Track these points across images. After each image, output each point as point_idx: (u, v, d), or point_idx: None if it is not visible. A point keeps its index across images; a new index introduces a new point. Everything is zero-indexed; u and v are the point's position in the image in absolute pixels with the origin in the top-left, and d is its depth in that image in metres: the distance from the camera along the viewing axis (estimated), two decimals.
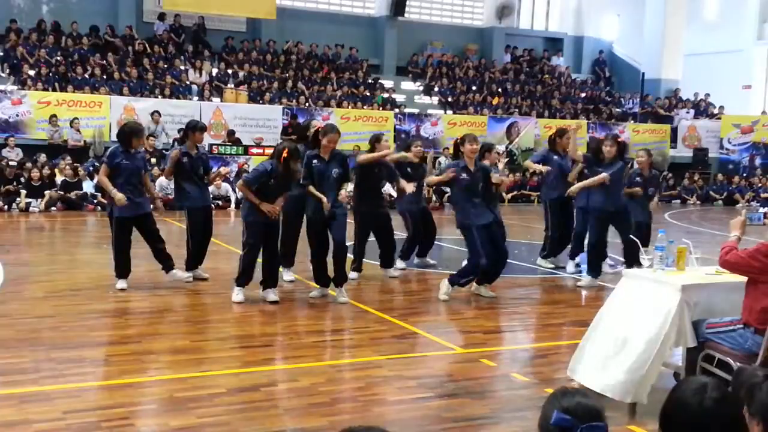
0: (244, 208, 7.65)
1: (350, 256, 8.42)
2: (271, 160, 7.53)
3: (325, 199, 7.48)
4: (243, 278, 7.57)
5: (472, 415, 4.71)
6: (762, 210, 18.11)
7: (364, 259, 9.02)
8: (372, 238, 8.98)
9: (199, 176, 8.38)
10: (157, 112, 17.90)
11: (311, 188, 7.57)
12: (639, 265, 5.56)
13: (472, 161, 7.85)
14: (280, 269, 8.17)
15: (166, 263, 8.18)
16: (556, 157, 9.87)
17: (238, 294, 7.55)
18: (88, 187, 15.76)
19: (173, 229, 11.91)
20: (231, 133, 18.62)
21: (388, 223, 8.96)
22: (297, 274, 8.63)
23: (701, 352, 4.61)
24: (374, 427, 2.02)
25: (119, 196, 7.66)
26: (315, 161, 7.61)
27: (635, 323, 4.74)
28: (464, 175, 7.78)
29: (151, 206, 8.25)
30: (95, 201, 15.44)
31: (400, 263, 9.49)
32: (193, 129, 8.47)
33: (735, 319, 4.55)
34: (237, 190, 12.15)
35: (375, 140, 8.88)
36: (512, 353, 6.44)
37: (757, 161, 24.60)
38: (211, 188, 10.60)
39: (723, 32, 26.00)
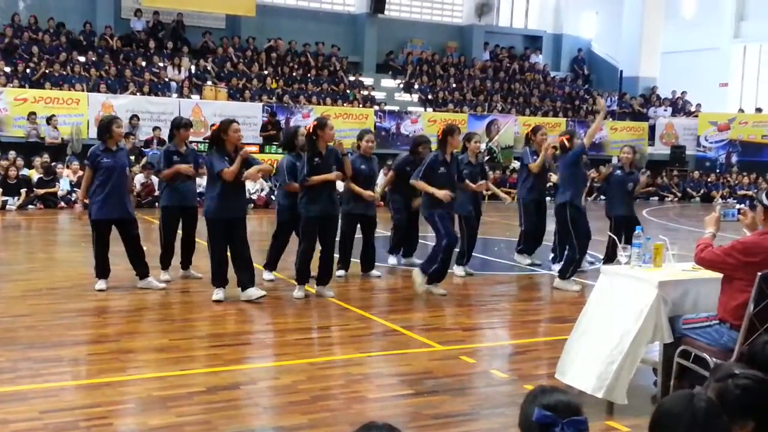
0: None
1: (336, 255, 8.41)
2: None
3: (330, 176, 7.49)
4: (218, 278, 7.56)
5: (451, 411, 4.72)
6: (738, 206, 18.28)
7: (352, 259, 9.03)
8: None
9: (190, 174, 8.26)
10: (136, 116, 17.78)
11: (313, 178, 7.42)
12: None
13: (450, 153, 7.93)
14: (261, 267, 8.15)
15: (142, 270, 7.93)
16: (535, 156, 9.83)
17: (217, 293, 7.51)
18: (64, 184, 15.63)
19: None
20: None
21: (373, 225, 8.98)
22: (277, 272, 8.60)
23: (678, 348, 4.65)
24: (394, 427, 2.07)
25: (78, 208, 8.06)
26: (317, 159, 7.47)
27: (613, 319, 4.78)
28: (442, 169, 7.76)
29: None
30: (73, 198, 15.30)
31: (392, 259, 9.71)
32: (178, 127, 8.34)
33: (711, 315, 4.60)
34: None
35: (359, 138, 8.97)
36: (491, 350, 6.46)
37: (734, 158, 24.85)
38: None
39: (700, 30, 26.21)
